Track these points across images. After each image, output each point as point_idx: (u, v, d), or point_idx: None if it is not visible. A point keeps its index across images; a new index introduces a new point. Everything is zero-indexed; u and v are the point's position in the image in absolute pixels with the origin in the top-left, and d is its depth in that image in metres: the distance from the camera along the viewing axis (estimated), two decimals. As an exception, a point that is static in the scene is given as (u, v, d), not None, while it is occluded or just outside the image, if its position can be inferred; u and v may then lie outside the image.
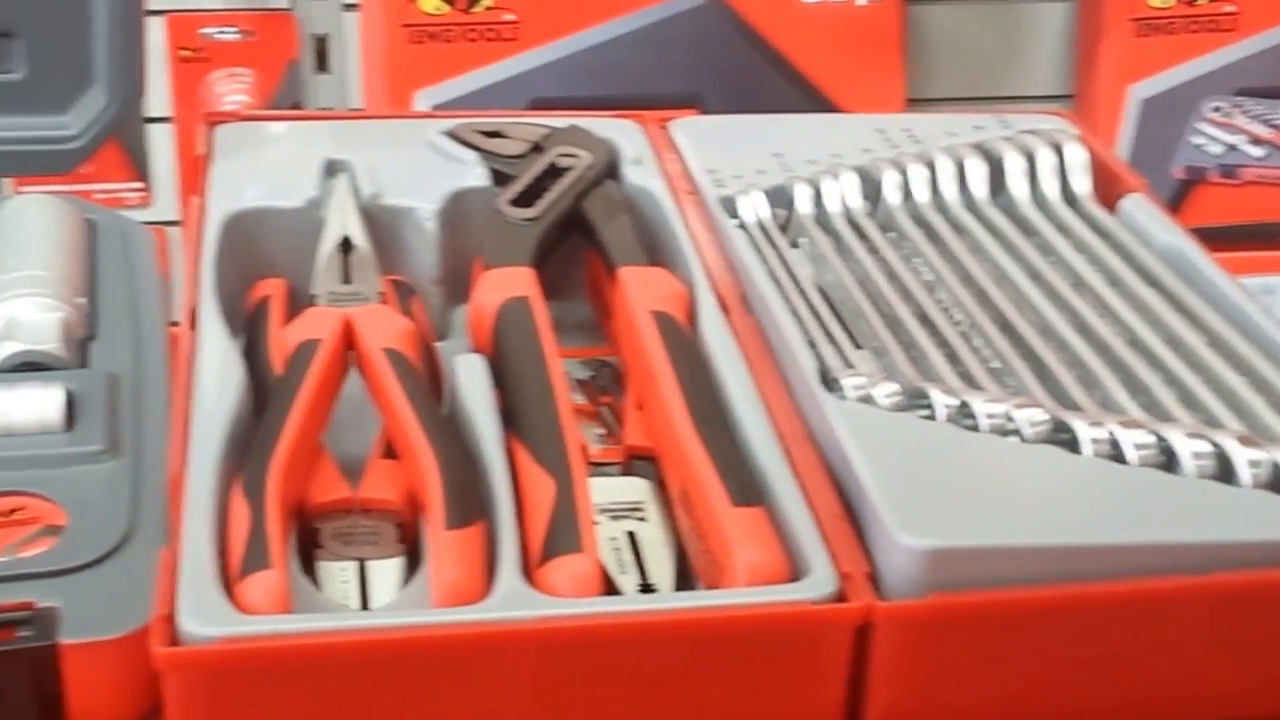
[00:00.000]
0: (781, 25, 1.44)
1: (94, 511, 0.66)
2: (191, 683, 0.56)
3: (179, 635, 0.56)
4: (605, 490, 0.67)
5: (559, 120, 0.87)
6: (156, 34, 1.45)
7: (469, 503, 0.62)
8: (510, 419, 0.67)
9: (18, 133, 0.88)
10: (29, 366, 0.74)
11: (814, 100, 1.44)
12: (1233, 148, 1.53)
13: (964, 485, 0.62)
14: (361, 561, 0.63)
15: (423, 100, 1.41)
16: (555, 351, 0.70)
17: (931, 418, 0.66)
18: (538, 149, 0.84)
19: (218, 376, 0.68)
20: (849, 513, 0.62)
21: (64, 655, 0.60)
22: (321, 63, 1.46)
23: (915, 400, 0.67)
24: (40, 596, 0.61)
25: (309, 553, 0.64)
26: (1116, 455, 0.64)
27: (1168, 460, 0.64)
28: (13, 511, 0.66)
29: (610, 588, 0.62)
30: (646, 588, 0.63)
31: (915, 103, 1.48)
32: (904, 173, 0.84)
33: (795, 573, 0.60)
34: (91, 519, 0.66)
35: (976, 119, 0.90)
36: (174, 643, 0.56)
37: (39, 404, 0.70)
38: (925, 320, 0.75)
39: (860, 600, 0.58)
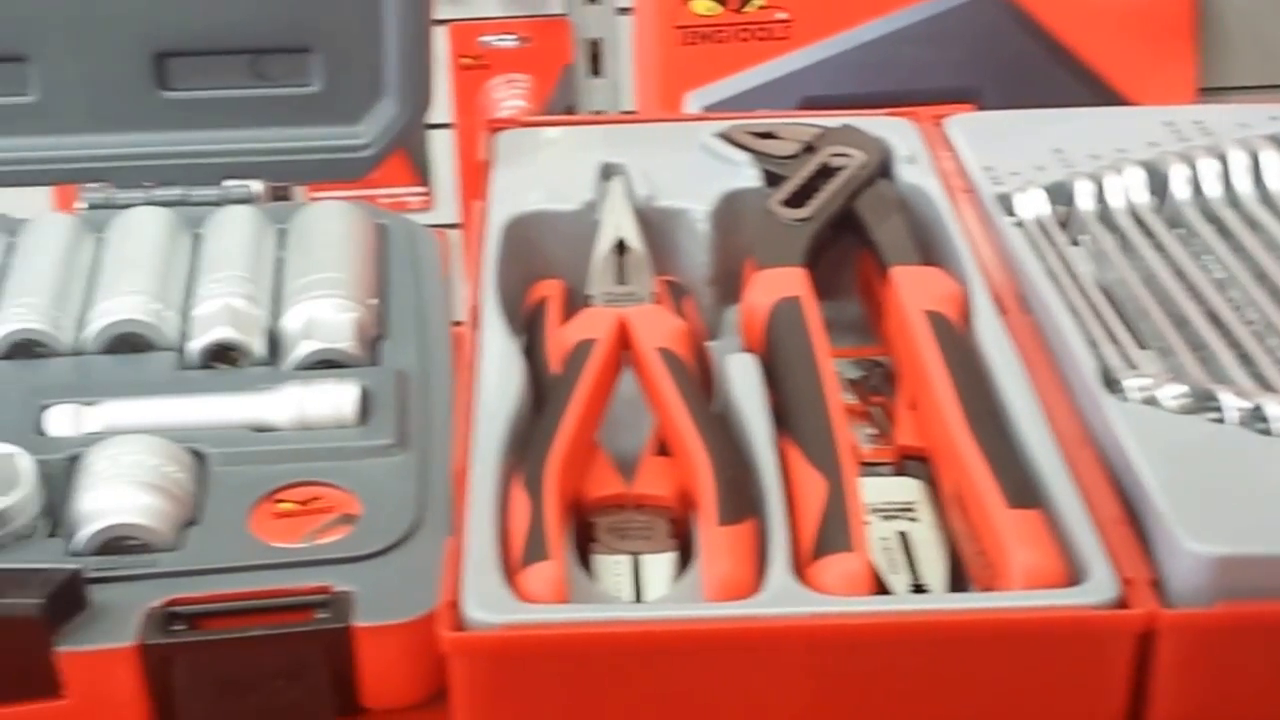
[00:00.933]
0: (1064, 15, 1.41)
1: (385, 502, 0.70)
2: (475, 666, 0.59)
3: (464, 621, 0.59)
4: (877, 490, 0.68)
5: (831, 120, 0.88)
6: (439, 43, 1.50)
7: (741, 500, 0.64)
8: (782, 418, 0.68)
9: (312, 142, 0.94)
10: (325, 364, 0.79)
11: (1098, 93, 1.41)
12: None
13: (1254, 491, 0.61)
14: (635, 555, 0.66)
15: (693, 101, 1.43)
16: (827, 351, 0.71)
17: (1220, 421, 0.65)
18: (810, 149, 0.85)
19: (499, 374, 0.71)
20: (1130, 517, 0.62)
21: (357, 637, 0.64)
22: (595, 67, 1.50)
23: (1203, 402, 0.66)
24: (336, 581, 0.66)
25: (584, 546, 0.66)
26: None
27: None
28: (311, 500, 0.70)
29: (881, 587, 0.63)
30: (918, 588, 0.64)
31: (1208, 92, 1.43)
32: (1193, 167, 0.83)
33: (1073, 577, 0.60)
34: (383, 509, 0.70)
35: (1273, 109, 0.87)
36: (459, 628, 0.59)
37: (335, 400, 0.75)
38: (1215, 320, 0.73)
39: (1143, 607, 0.58)
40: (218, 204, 0.91)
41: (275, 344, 0.81)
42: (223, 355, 0.80)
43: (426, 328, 0.83)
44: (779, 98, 1.40)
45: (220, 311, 0.81)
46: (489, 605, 0.59)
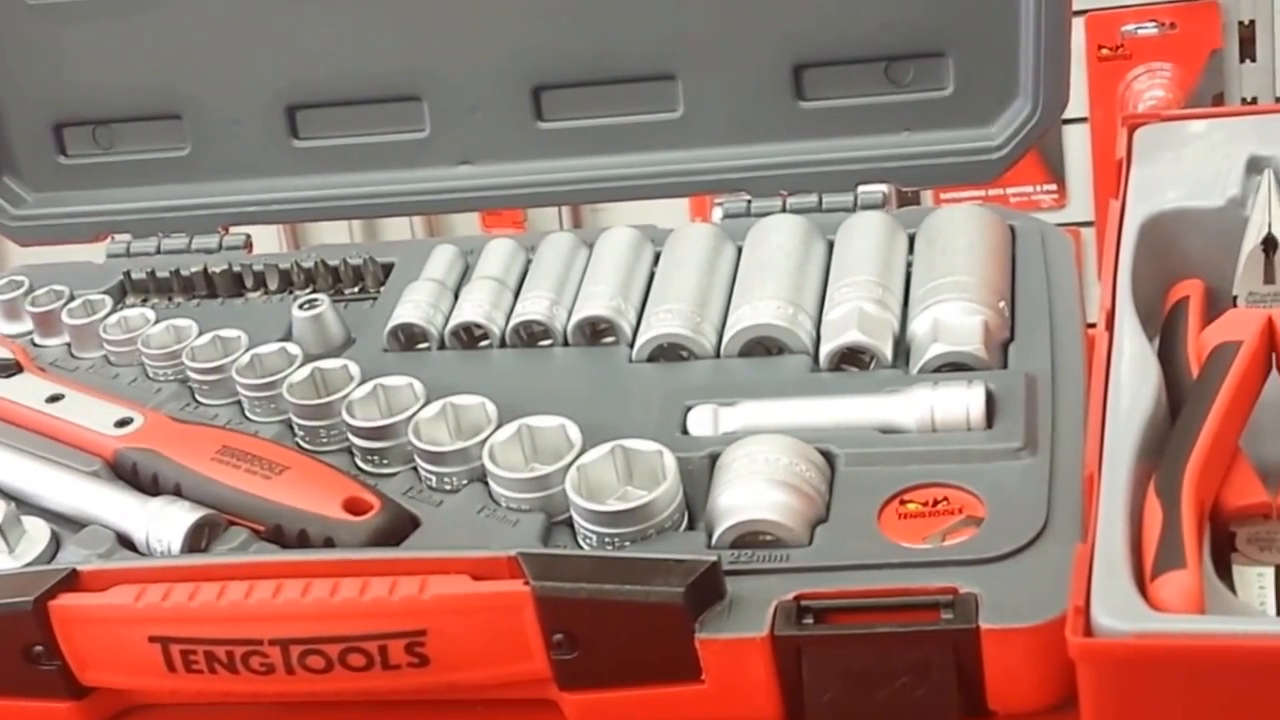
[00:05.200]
0: None
1: (1012, 505, 0.72)
2: (1103, 674, 0.60)
3: (1092, 627, 0.60)
4: None
5: None
6: (1076, 34, 1.50)
7: (1399, 513, 0.62)
8: None
9: (944, 146, 0.97)
10: (953, 367, 0.82)
11: None
12: None
13: None
14: (1279, 567, 0.64)
15: (1360, 84, 1.36)
16: None
17: None
18: None
19: (1134, 377, 0.71)
20: None
21: (984, 639, 0.66)
22: (1247, 51, 1.45)
23: None
24: (963, 582, 0.68)
25: (1223, 556, 0.66)
26: None
27: None
28: (937, 502, 0.73)
29: None
30: None
31: None
32: None
33: None
34: (1010, 512, 0.72)
35: None
36: (1088, 634, 0.60)
37: (962, 402, 0.77)
38: None
39: None
40: (850, 210, 0.96)
41: (904, 347, 0.85)
42: (853, 358, 0.85)
43: (1057, 330, 0.84)
44: None
45: (851, 315, 0.85)
46: (1119, 612, 0.60)
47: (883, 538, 0.72)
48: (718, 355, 0.88)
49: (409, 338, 0.94)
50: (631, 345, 0.89)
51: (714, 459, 0.78)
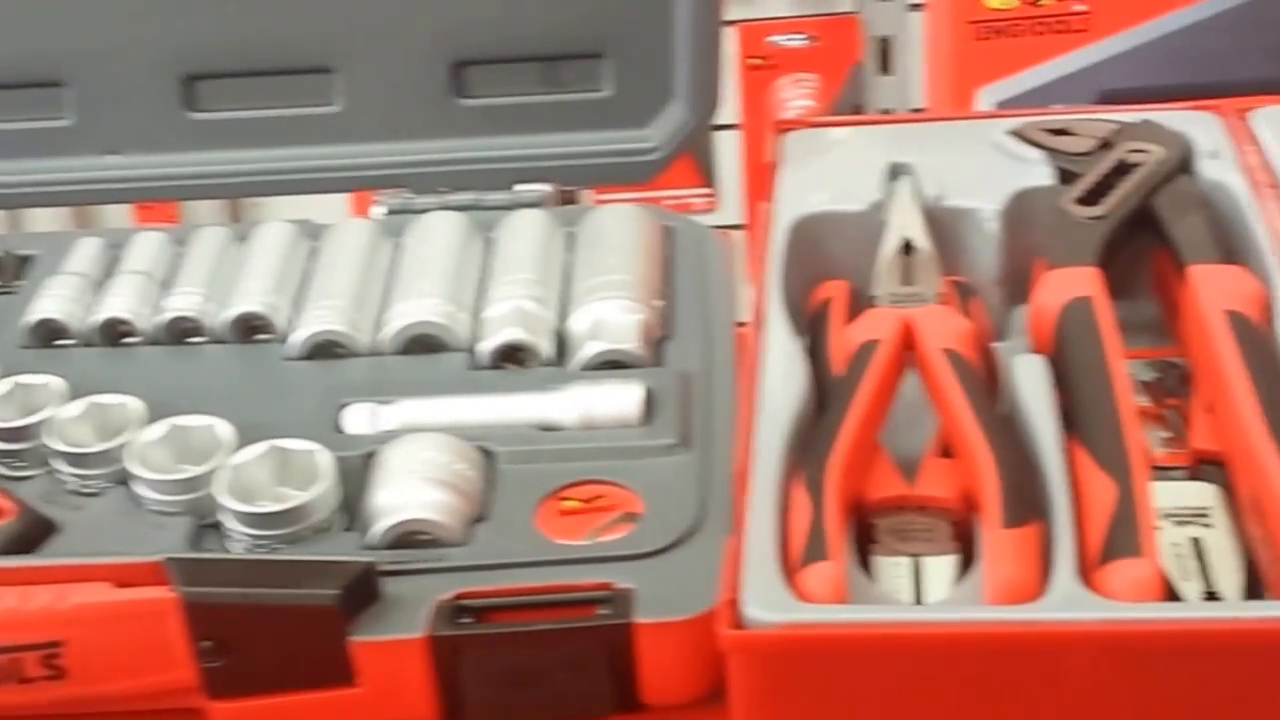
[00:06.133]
0: (1388, -2, 1.35)
1: (667, 501, 0.72)
2: (753, 664, 0.60)
3: (743, 619, 0.60)
4: (1169, 495, 0.67)
5: (1128, 115, 0.86)
6: (728, 44, 1.52)
7: (1026, 502, 0.64)
8: (1070, 420, 0.68)
9: (602, 146, 0.97)
10: (611, 365, 0.82)
11: None
12: None
13: None
14: (916, 557, 0.66)
15: (986, 97, 1.42)
16: (1120, 352, 0.70)
17: None
18: (1106, 145, 0.84)
19: (782, 375, 0.72)
20: None
21: (638, 633, 0.66)
22: (884, 64, 1.50)
23: None
24: (618, 578, 0.68)
25: (865, 547, 0.67)
26: None
27: None
28: (595, 499, 0.73)
29: (1171, 594, 0.62)
30: (1211, 596, 0.62)
31: None
32: None
33: (1380, 588, 0.58)
34: (665, 508, 0.72)
35: None
36: (738, 626, 0.60)
37: (620, 400, 0.77)
38: None
39: None
40: (509, 208, 0.95)
41: (563, 345, 0.84)
42: (512, 356, 0.84)
43: (711, 329, 0.85)
44: (1075, 92, 1.37)
45: (510, 313, 0.84)
46: (768, 604, 0.60)
47: (541, 535, 0.71)
48: (376, 353, 0.85)
49: (49, 334, 0.88)
50: (286, 342, 0.86)
51: (371, 458, 0.76)
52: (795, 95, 1.51)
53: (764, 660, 0.60)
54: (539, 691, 0.67)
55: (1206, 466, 0.69)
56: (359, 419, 0.79)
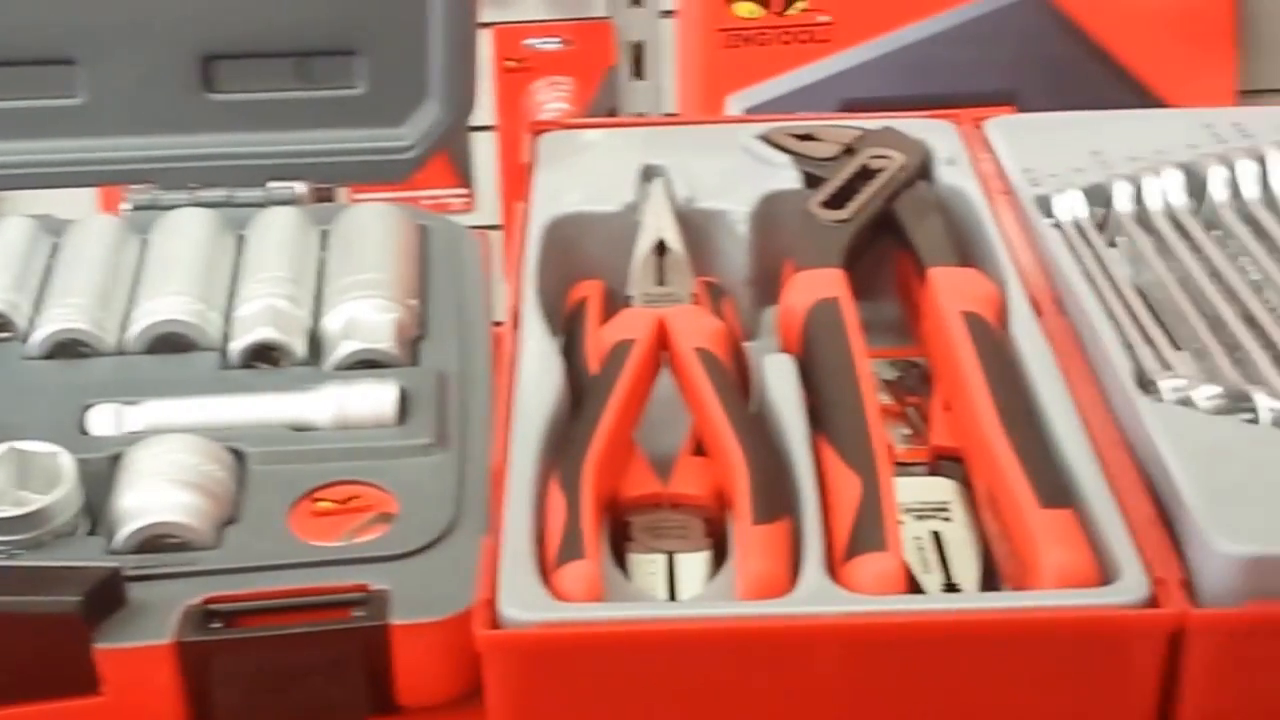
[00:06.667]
0: (1104, 17, 1.41)
1: (423, 501, 0.71)
2: (509, 664, 0.60)
3: (499, 619, 0.59)
4: (911, 490, 0.68)
5: (871, 122, 0.88)
6: (483, 46, 1.51)
7: (775, 499, 0.64)
8: (817, 418, 0.69)
9: (356, 144, 0.94)
10: (365, 364, 0.80)
11: (1138, 95, 1.40)
12: None
13: (1288, 491, 0.61)
14: (670, 554, 0.66)
15: (735, 104, 1.43)
16: (864, 352, 0.71)
17: (1255, 421, 0.65)
18: (849, 151, 0.85)
19: (538, 374, 0.71)
20: (1163, 518, 0.61)
21: (394, 635, 0.64)
22: (637, 70, 1.50)
23: (1238, 403, 0.66)
24: (373, 579, 0.66)
25: (620, 545, 0.67)
26: None
27: None
28: (349, 499, 0.71)
29: (914, 587, 0.63)
30: (950, 587, 0.64)
31: (1248, 94, 1.42)
32: (1231, 169, 0.82)
33: (1105, 577, 0.60)
34: (420, 508, 0.70)
35: (1314, 111, 0.87)
36: (494, 626, 0.59)
37: (374, 400, 0.75)
38: (1250, 321, 0.73)
39: (1174, 607, 0.57)
40: (261, 205, 0.92)
41: (316, 344, 0.82)
42: (264, 355, 0.81)
43: (466, 328, 0.83)
44: (820, 100, 1.40)
45: (262, 312, 0.82)
46: (524, 603, 0.60)
47: (294, 537, 0.69)
48: (122, 353, 0.82)
49: None
50: (27, 341, 0.82)
51: (117, 460, 0.72)
52: (551, 98, 1.50)
53: (519, 660, 0.59)
54: (293, 696, 0.65)
55: (945, 462, 0.70)
56: (104, 420, 0.75)
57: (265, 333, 0.80)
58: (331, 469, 0.72)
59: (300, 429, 0.75)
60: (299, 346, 0.81)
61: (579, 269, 0.82)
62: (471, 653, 0.60)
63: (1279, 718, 0.59)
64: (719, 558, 0.65)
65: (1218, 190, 0.82)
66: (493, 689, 0.60)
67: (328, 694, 0.65)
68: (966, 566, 0.65)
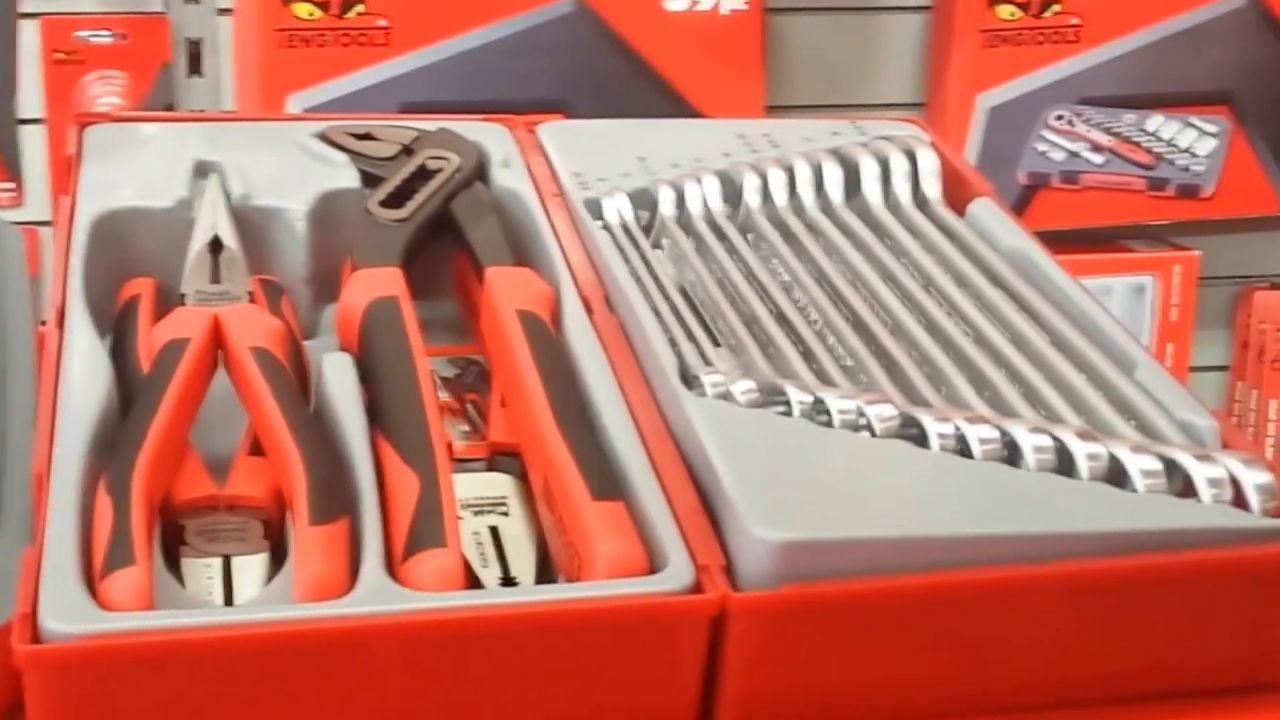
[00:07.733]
0: (646, 33, 1.44)
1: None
2: (53, 680, 0.54)
3: (41, 633, 0.54)
4: (469, 486, 0.67)
5: (429, 123, 0.86)
6: (30, 36, 1.41)
7: (333, 499, 0.61)
8: (376, 416, 0.66)
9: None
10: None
11: (677, 106, 1.44)
12: (1074, 154, 1.55)
13: (817, 479, 0.62)
14: (226, 558, 0.62)
15: (295, 104, 1.39)
16: (422, 350, 0.69)
17: (788, 414, 0.66)
18: (408, 151, 0.83)
19: (84, 375, 0.66)
20: (707, 507, 0.62)
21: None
22: (195, 66, 1.43)
23: (772, 397, 0.67)
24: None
25: (175, 550, 0.62)
26: (963, 449, 0.64)
27: (1011, 454, 0.64)
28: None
29: (473, 582, 0.61)
30: (508, 581, 0.62)
31: (775, 109, 1.48)
32: (763, 176, 0.84)
33: (654, 565, 0.59)
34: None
35: (833, 125, 0.90)
36: (36, 640, 0.54)
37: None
38: (782, 319, 0.75)
39: (715, 592, 0.58)
40: None
41: None
42: None
43: (8, 328, 0.76)
44: (380, 103, 1.37)
45: None
46: (67, 615, 0.55)
47: None
48: None
49: None
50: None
51: None
52: (103, 92, 1.41)
53: (62, 674, 0.54)
54: None
55: (503, 457, 0.69)
56: None
57: None
58: None
59: None
60: None
61: (131, 267, 0.77)
62: (12, 668, 0.54)
63: (815, 696, 0.60)
64: (278, 560, 0.62)
65: (751, 196, 0.84)
66: (34, 706, 0.55)
67: None
68: (524, 560, 0.63)
